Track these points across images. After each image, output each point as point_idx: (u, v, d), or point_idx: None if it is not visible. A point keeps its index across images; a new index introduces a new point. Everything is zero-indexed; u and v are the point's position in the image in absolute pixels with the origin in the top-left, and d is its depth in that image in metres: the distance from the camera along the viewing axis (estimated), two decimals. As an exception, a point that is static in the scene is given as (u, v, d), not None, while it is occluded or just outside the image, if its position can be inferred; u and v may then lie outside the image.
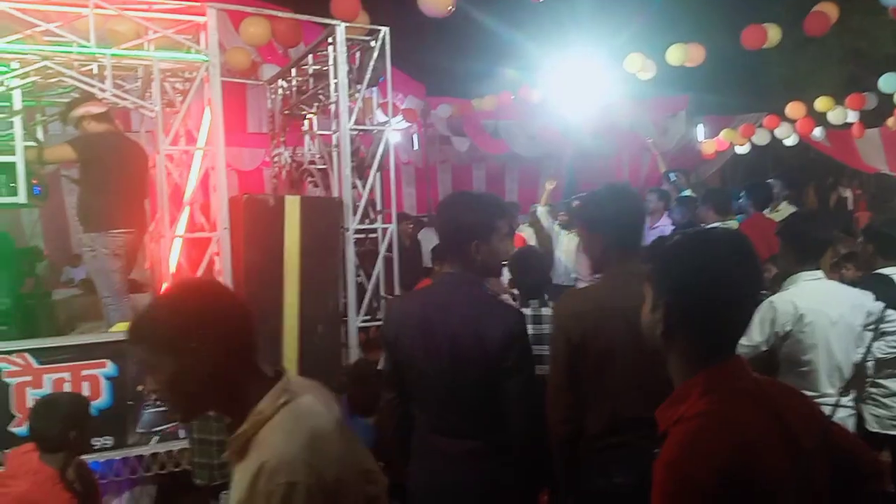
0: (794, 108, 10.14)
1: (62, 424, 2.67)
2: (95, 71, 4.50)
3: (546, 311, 3.35)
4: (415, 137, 10.77)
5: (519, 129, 10.57)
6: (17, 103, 4.19)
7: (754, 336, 2.86)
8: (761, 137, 10.83)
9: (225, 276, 4.39)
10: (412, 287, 5.21)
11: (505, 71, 10.38)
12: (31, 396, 3.76)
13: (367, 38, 5.05)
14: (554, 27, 10.81)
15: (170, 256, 4.41)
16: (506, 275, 3.90)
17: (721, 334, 1.37)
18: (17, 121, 4.16)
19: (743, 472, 1.22)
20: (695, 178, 9.99)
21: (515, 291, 4.03)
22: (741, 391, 1.33)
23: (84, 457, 3.10)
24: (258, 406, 1.41)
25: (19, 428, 3.74)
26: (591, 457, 2.23)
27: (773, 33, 7.20)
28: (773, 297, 2.93)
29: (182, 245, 4.51)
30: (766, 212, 5.73)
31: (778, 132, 10.69)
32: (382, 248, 4.99)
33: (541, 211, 7.30)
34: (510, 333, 2.13)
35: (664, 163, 8.16)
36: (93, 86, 4.31)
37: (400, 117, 10.11)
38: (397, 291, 5.03)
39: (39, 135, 5.07)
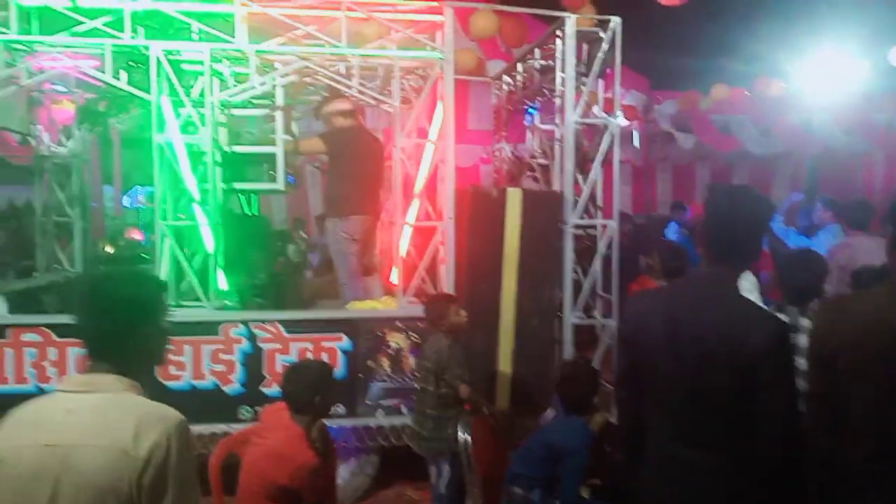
0: None
1: (310, 389, 2.93)
2: (342, 71, 4.92)
3: (804, 322, 3.02)
4: (635, 134, 10.42)
5: (752, 125, 9.78)
6: (280, 100, 4.72)
7: None
8: None
9: (448, 263, 4.57)
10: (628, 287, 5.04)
11: (737, 62, 9.67)
12: (280, 362, 4.22)
13: (596, 29, 4.97)
14: (795, 11, 9.84)
15: (399, 243, 4.69)
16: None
17: None
18: (279, 116, 4.69)
19: None
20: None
21: None
22: None
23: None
24: None
25: (269, 389, 4.21)
26: (847, 482, 2.00)
27: None
28: None
29: (410, 233, 4.77)
30: None
31: None
32: (601, 245, 4.89)
33: (776, 221, 6.70)
34: (771, 343, 1.94)
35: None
36: (341, 84, 4.71)
37: (619, 114, 9.85)
38: (615, 291, 4.90)
39: (294, 129, 5.65)
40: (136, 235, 8.92)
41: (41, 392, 4.07)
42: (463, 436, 3.73)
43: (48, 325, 4.14)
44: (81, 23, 4.19)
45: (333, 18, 4.64)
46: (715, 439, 2.03)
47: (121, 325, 1.75)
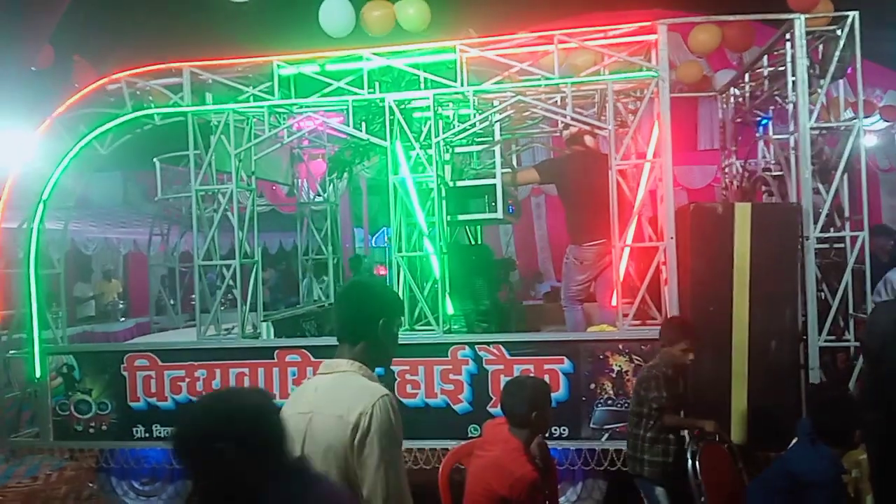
0: None
1: (526, 404, 3.03)
2: (558, 101, 5.06)
3: None
4: (896, 138, 9.18)
5: None
6: (497, 135, 4.99)
7: None
8: None
9: (671, 285, 4.42)
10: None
11: None
12: (504, 382, 4.38)
13: (832, 27, 4.55)
14: None
15: (619, 265, 4.64)
16: None
17: None
18: (497, 150, 4.96)
19: None
20: None
21: None
22: None
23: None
24: None
25: (495, 409, 4.38)
26: None
27: None
28: None
29: (629, 254, 4.69)
30: None
31: None
32: (851, 260, 4.39)
33: None
34: None
35: None
36: (556, 113, 4.85)
37: (877, 116, 8.78)
38: (869, 311, 4.35)
39: (514, 162, 5.92)
40: (382, 271, 9.82)
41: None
42: (690, 463, 3.55)
43: (306, 347, 4.75)
44: (328, 84, 4.83)
45: (546, 52, 4.80)
46: None
47: (360, 318, 2.16)
